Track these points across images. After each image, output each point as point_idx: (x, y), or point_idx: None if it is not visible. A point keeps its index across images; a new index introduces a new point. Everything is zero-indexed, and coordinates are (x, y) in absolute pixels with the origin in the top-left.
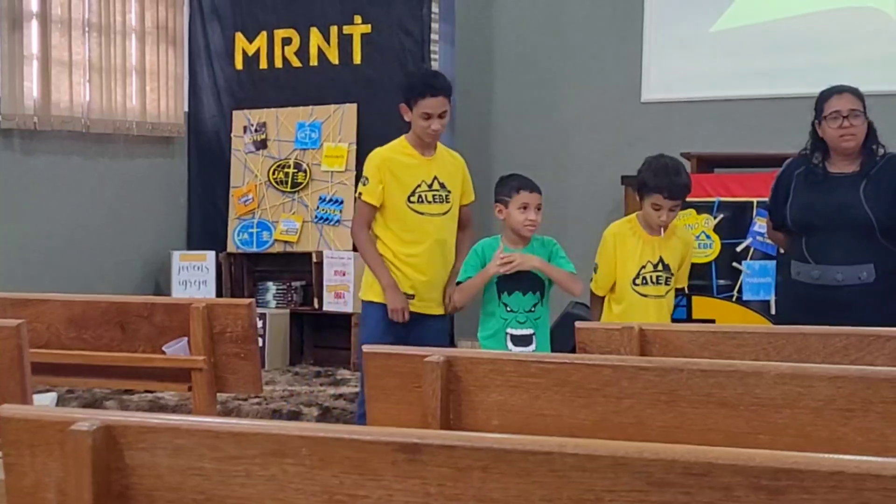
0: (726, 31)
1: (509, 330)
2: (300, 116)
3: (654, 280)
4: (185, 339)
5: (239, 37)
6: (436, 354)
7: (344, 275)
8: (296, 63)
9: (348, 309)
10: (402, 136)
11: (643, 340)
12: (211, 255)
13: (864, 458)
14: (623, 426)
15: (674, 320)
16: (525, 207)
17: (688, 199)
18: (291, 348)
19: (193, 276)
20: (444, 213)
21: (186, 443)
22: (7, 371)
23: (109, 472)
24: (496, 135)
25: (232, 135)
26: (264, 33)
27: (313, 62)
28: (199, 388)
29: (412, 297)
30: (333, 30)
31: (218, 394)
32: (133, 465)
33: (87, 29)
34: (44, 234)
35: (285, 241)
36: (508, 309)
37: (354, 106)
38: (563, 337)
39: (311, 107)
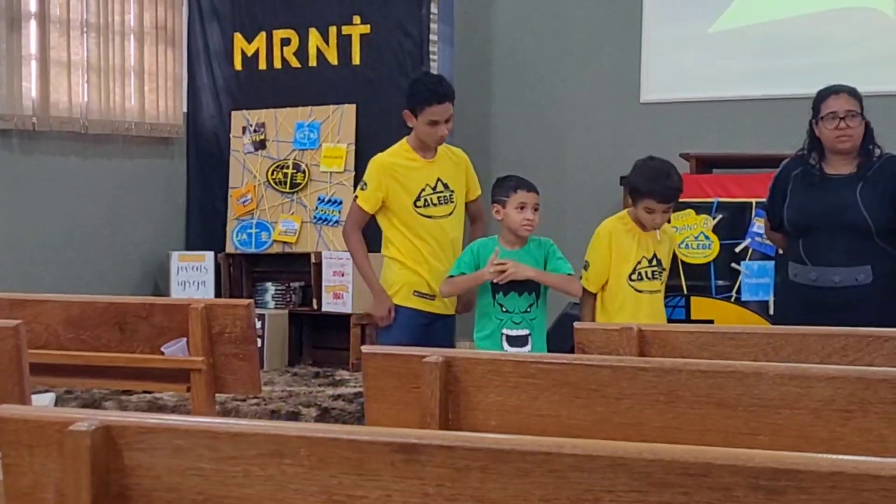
0: (725, 31)
1: (505, 331)
2: (299, 117)
3: (650, 275)
4: (184, 339)
5: (238, 37)
6: (434, 355)
7: (343, 275)
8: (295, 63)
9: (347, 310)
10: (404, 140)
11: (642, 341)
12: (210, 255)
13: (863, 458)
14: (622, 426)
15: (673, 321)
16: (522, 207)
17: (686, 200)
18: (290, 349)
19: (192, 277)
20: (450, 214)
21: (185, 443)
22: (5, 372)
23: (108, 472)
24: (495, 135)
25: (231, 135)
26: (263, 34)
27: (312, 63)
28: (197, 389)
29: (433, 297)
30: (332, 30)
31: (217, 394)
32: (132, 466)
33: (85, 29)
34: (42, 234)
35: (284, 242)
36: (504, 310)
37: (353, 106)
38: (561, 337)
39: (309, 107)
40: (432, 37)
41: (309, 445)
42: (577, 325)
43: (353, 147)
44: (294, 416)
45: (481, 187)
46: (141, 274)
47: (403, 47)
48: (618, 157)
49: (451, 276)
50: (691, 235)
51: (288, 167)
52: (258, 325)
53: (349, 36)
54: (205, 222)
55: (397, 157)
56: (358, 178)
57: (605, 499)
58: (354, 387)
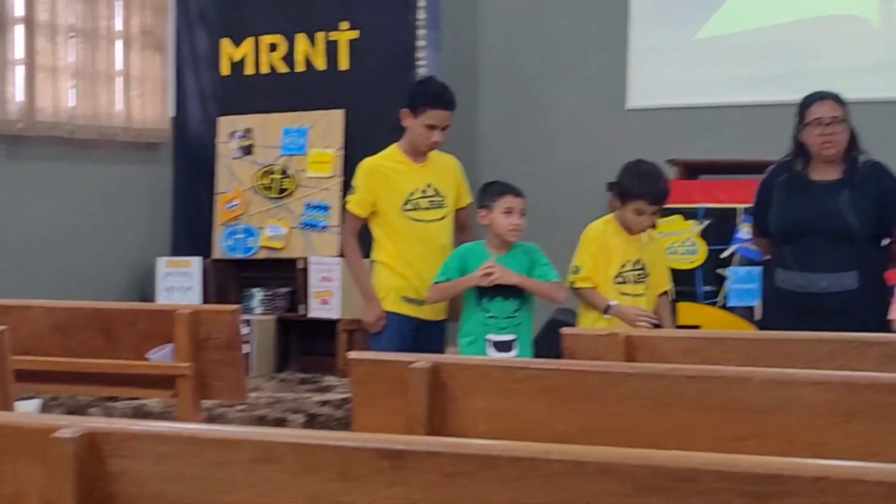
0: (711, 38)
1: (490, 335)
2: (286, 122)
3: (634, 279)
4: (170, 345)
5: (225, 42)
6: (422, 361)
7: (330, 281)
8: (282, 69)
9: (334, 315)
10: (394, 144)
11: (629, 347)
12: (196, 261)
13: (849, 463)
14: (609, 432)
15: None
16: (510, 212)
17: (673, 206)
18: (277, 355)
19: (178, 283)
20: (441, 219)
21: (170, 450)
22: None
23: (92, 479)
24: (482, 141)
25: (218, 141)
26: (251, 39)
27: (300, 68)
28: (183, 395)
29: (422, 303)
30: (320, 36)
31: (203, 401)
32: (116, 473)
33: (72, 34)
34: (28, 239)
35: (271, 248)
36: (489, 314)
37: (341, 112)
38: (548, 343)
39: (297, 113)
40: (420, 42)
41: (295, 452)
42: (564, 330)
43: (340, 152)
44: (281, 423)
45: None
46: (127, 280)
47: (391, 53)
48: (604, 163)
49: (437, 282)
50: (678, 241)
51: (275, 172)
52: (245, 330)
53: (337, 41)
54: (191, 228)
55: (386, 160)
56: (346, 184)
57: None
58: (342, 393)
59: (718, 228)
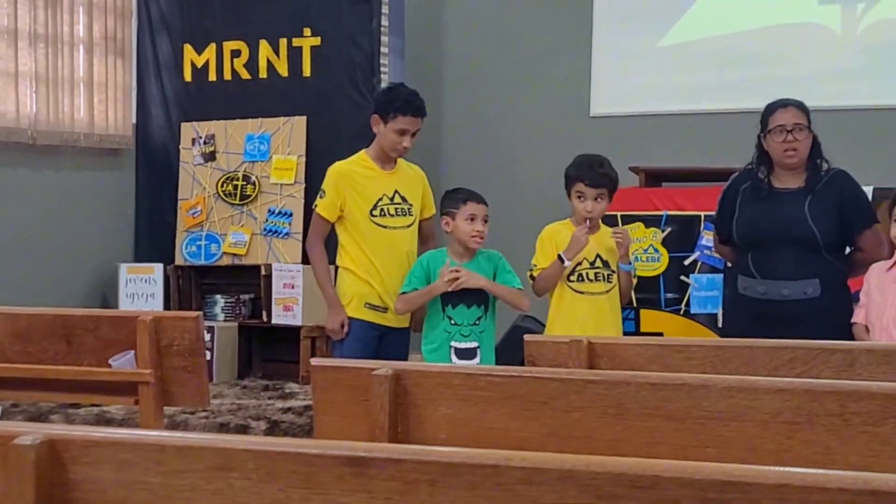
0: (674, 45)
1: (453, 343)
2: (249, 129)
3: (593, 277)
4: (132, 352)
5: (188, 48)
6: (384, 368)
7: (293, 288)
8: (245, 75)
9: (297, 322)
10: (363, 150)
11: (591, 353)
12: (159, 267)
13: (810, 470)
14: (571, 439)
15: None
16: (472, 219)
17: (636, 213)
18: (240, 361)
19: (141, 289)
20: (408, 227)
21: (131, 457)
22: None
23: (53, 486)
24: (446, 148)
25: (180, 147)
26: (213, 45)
27: (262, 74)
28: (145, 402)
29: (386, 310)
30: (283, 42)
31: (165, 407)
32: (77, 480)
33: (33, 39)
34: None
35: (234, 254)
36: (452, 322)
37: (304, 118)
38: (511, 350)
39: (260, 119)
40: (383, 49)
41: (257, 459)
42: (526, 337)
43: (303, 159)
44: (243, 430)
45: (434, 199)
46: (89, 286)
47: (354, 59)
48: None
49: (404, 293)
50: (640, 248)
51: (238, 179)
52: (207, 337)
53: (300, 48)
54: (154, 234)
55: (356, 165)
56: (308, 190)
57: None
58: (304, 400)
59: (681, 236)
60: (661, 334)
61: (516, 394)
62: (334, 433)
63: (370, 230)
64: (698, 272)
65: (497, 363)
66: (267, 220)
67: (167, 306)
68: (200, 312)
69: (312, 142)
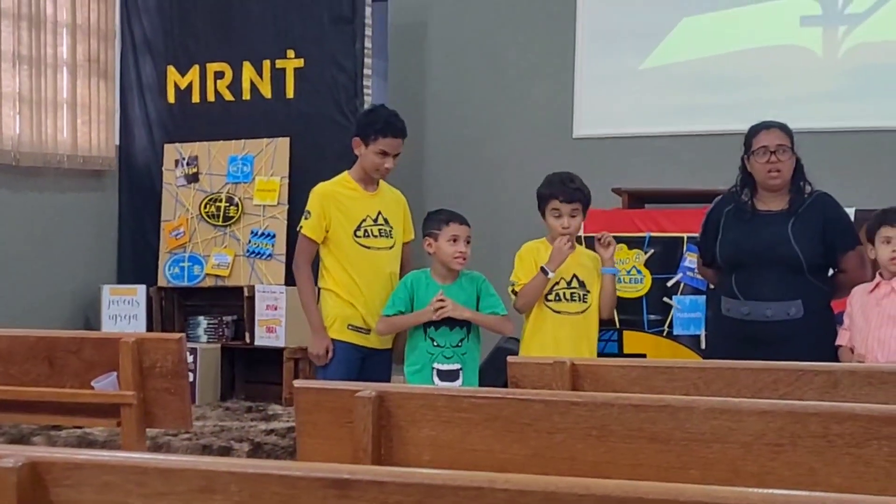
0: (656, 68)
1: (436, 365)
2: (232, 150)
3: (569, 296)
4: (115, 373)
5: (171, 70)
6: (367, 390)
7: (276, 309)
8: (228, 97)
9: (280, 343)
10: (346, 172)
11: (574, 375)
12: (141, 289)
13: (793, 492)
14: (554, 461)
15: (605, 355)
16: (455, 240)
17: (619, 234)
18: (222, 383)
19: (123, 311)
20: (391, 248)
21: (113, 479)
22: None
23: None
24: (428, 169)
25: (163, 168)
26: (197, 67)
27: (246, 96)
28: (128, 424)
29: (369, 331)
30: (266, 64)
31: (148, 429)
32: (59, 502)
33: (17, 61)
34: None
35: (217, 276)
36: (435, 343)
37: (287, 140)
38: (495, 371)
39: (243, 140)
40: (366, 71)
41: (239, 481)
42: (510, 359)
43: (286, 180)
44: (226, 451)
45: (416, 220)
46: (72, 308)
47: (337, 81)
48: None
49: (388, 315)
50: (623, 270)
51: (221, 200)
52: (190, 358)
53: (283, 69)
54: (137, 255)
55: (339, 186)
56: (292, 212)
57: None
58: (287, 421)
59: (664, 257)
60: (644, 356)
61: (499, 415)
62: (317, 455)
63: (354, 251)
64: (681, 294)
65: (480, 384)
66: (250, 242)
67: (150, 328)
68: (183, 334)
69: (295, 163)
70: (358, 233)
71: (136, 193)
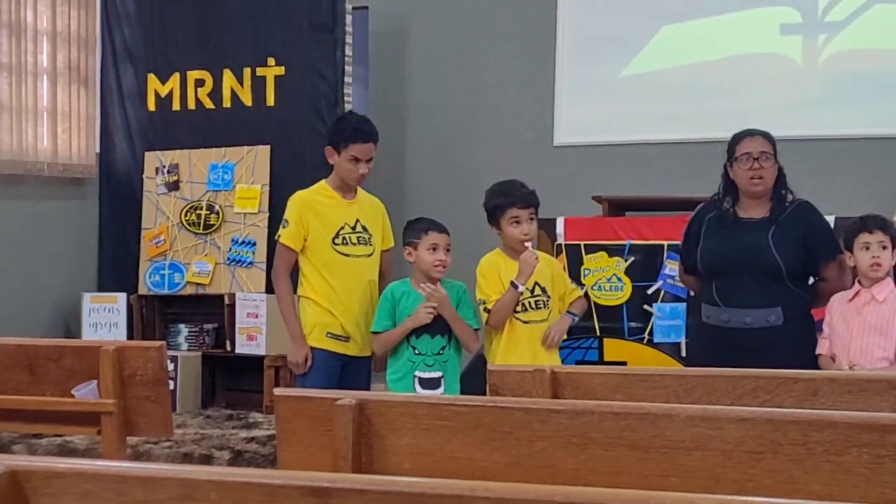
0: (636, 76)
1: (417, 373)
2: (213, 158)
3: (533, 305)
4: (95, 382)
5: (152, 78)
6: (347, 398)
7: (256, 317)
8: (209, 105)
9: (261, 351)
10: (323, 181)
11: (555, 383)
12: (122, 297)
13: (773, 500)
14: (535, 469)
15: (585, 363)
16: (434, 248)
17: (599, 242)
18: (203, 391)
19: (104, 319)
20: (369, 256)
21: (94, 488)
22: None
23: None
24: (409, 177)
25: (144, 176)
26: (177, 75)
27: (226, 104)
28: (108, 432)
29: (348, 339)
30: (247, 72)
31: (129, 437)
32: None
33: None
34: None
35: (197, 283)
36: (416, 352)
37: (267, 148)
38: (476, 379)
39: (223, 148)
40: (347, 79)
41: (219, 489)
42: (490, 367)
43: (267, 188)
44: (207, 459)
45: (396, 228)
46: (52, 316)
47: (318, 89)
48: None
49: (378, 332)
50: (604, 277)
51: (202, 208)
52: (171, 367)
53: (264, 77)
54: (117, 263)
55: (317, 194)
56: (272, 220)
57: None
58: (268, 429)
59: (644, 265)
60: (624, 363)
61: (480, 423)
62: (298, 463)
63: (333, 258)
64: (661, 301)
65: (462, 392)
66: (230, 250)
67: (130, 336)
68: (164, 342)
69: (276, 171)
70: (336, 240)
71: (116, 201)
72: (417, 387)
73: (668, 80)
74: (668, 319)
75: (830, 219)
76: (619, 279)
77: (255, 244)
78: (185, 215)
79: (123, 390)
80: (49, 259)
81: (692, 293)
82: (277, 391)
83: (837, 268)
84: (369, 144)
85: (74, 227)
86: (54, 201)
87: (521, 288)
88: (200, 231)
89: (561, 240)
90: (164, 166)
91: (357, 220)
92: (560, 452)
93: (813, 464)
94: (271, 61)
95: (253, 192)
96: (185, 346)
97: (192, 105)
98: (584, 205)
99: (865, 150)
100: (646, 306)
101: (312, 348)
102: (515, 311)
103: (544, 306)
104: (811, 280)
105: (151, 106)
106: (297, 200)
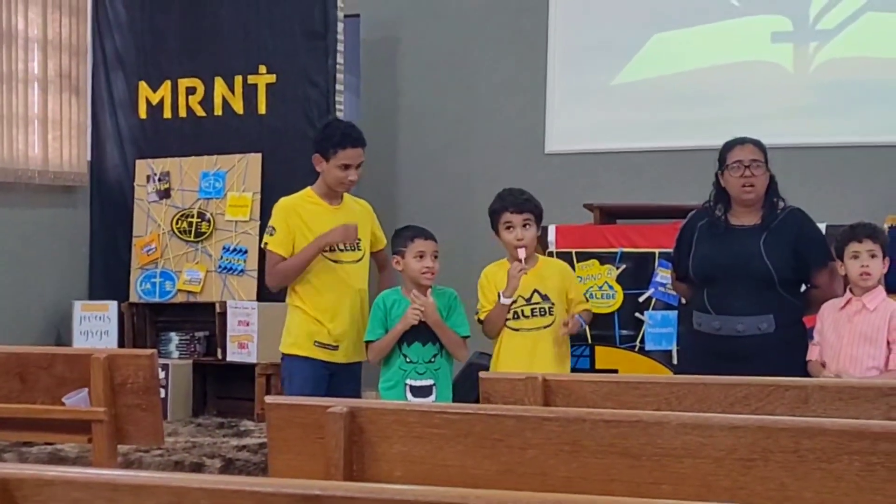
0: (628, 83)
1: (409, 381)
2: (204, 166)
3: (529, 313)
4: (86, 390)
5: (143, 86)
6: (339, 405)
7: (248, 325)
8: (200, 112)
9: (252, 359)
10: (308, 188)
11: (547, 390)
12: (113, 305)
13: None
14: (526, 476)
15: (577, 370)
16: (421, 256)
17: (590, 250)
18: (194, 399)
19: (95, 327)
20: (357, 261)
21: (84, 495)
22: None
23: None
24: (400, 185)
25: (135, 184)
26: (168, 82)
27: (218, 112)
28: (99, 440)
29: (336, 347)
30: (238, 79)
31: (119, 445)
32: None
33: None
34: None
35: (188, 291)
36: (408, 360)
37: (259, 156)
38: (468, 386)
39: (215, 156)
40: (338, 87)
41: (211, 497)
42: (482, 374)
43: (258, 196)
44: (198, 467)
45: (387, 236)
46: (43, 324)
47: (309, 97)
48: None
49: (371, 341)
50: (595, 285)
51: (193, 216)
52: (162, 374)
53: (255, 85)
54: (108, 271)
55: (302, 200)
56: (264, 228)
57: None
58: (259, 437)
59: (635, 273)
60: (615, 371)
61: (471, 431)
62: (289, 471)
63: (320, 265)
64: (653, 309)
65: (453, 400)
66: (222, 258)
67: (121, 344)
68: (155, 350)
69: (267, 179)
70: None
71: (107, 209)
72: (409, 395)
73: (659, 88)
74: (659, 327)
75: (821, 226)
76: (611, 287)
77: (246, 252)
78: (177, 223)
79: (114, 398)
80: (40, 267)
81: (684, 301)
82: (269, 399)
83: (829, 275)
84: (358, 150)
85: (65, 235)
86: (45, 209)
87: (506, 301)
88: (192, 239)
89: (552, 247)
90: (156, 174)
91: None
92: (552, 460)
93: (804, 471)
94: (263, 69)
95: (244, 200)
96: (176, 354)
97: (183, 113)
98: (576, 212)
99: (856, 158)
100: (637, 314)
101: (299, 357)
102: (508, 321)
103: (548, 313)
104: (803, 287)
105: (143, 114)
106: (283, 207)
